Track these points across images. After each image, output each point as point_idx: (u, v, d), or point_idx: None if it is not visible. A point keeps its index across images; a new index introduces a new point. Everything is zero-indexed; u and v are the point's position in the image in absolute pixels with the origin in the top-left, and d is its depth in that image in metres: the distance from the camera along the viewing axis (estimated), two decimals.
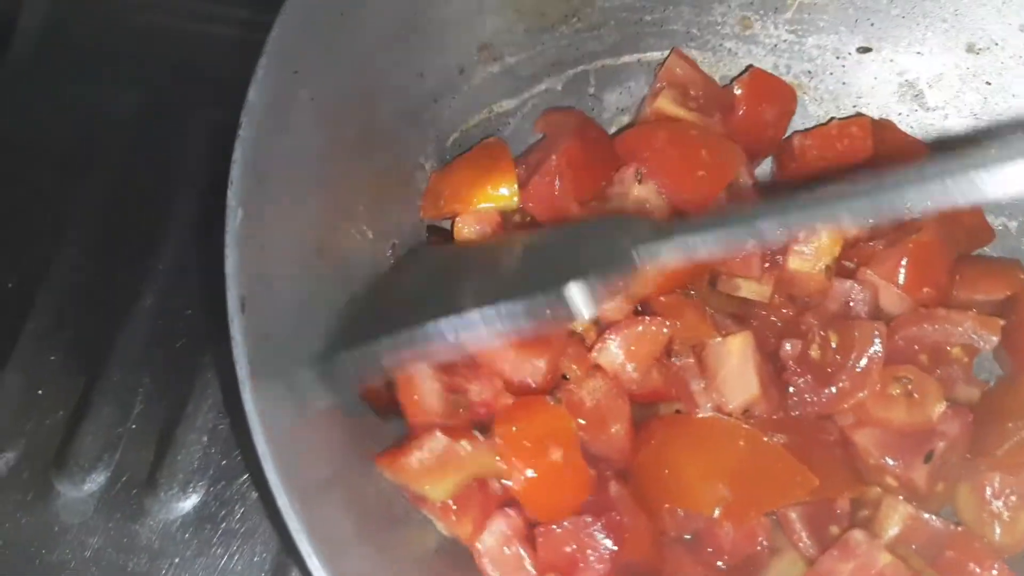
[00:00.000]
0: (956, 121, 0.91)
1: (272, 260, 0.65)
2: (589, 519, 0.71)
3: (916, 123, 0.92)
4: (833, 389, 0.77)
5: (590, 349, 0.77)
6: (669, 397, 0.78)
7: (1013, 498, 0.76)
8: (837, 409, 0.78)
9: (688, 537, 0.77)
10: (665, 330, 0.77)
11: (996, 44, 0.87)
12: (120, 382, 0.94)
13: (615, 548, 0.70)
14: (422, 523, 0.71)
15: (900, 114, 0.92)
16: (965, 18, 0.87)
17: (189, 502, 0.90)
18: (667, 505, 0.74)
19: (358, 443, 0.69)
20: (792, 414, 0.79)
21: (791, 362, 0.79)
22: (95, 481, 0.91)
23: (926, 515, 0.75)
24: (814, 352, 0.78)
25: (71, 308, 0.98)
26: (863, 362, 0.76)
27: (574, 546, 0.70)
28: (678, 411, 0.77)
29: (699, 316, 0.79)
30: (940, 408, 0.76)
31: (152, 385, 0.95)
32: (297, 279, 0.68)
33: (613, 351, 0.77)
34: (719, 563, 0.76)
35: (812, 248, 0.82)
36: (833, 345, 0.78)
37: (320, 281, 0.70)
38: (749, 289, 0.83)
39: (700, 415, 0.76)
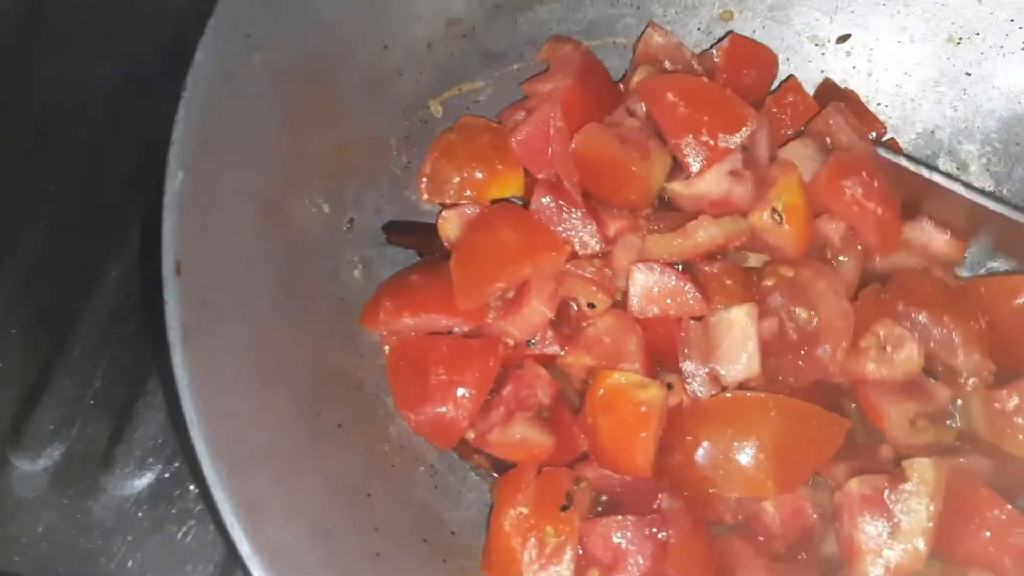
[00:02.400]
0: (934, 111, 0.88)
1: (215, 225, 0.64)
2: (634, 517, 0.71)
3: (895, 113, 0.90)
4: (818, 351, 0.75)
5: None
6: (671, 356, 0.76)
7: None
8: (823, 375, 0.76)
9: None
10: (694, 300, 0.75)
11: (977, 34, 0.85)
12: (81, 357, 0.93)
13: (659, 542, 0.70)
14: (365, 493, 0.69)
15: (879, 104, 0.90)
16: (947, 8, 0.85)
17: (144, 479, 0.89)
18: (718, 496, 0.72)
19: (302, 413, 0.67)
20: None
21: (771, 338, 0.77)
22: (51, 456, 0.89)
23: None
24: (790, 329, 0.76)
25: (36, 282, 0.97)
26: (835, 323, 0.75)
27: (621, 542, 0.69)
28: (669, 385, 0.75)
29: (744, 285, 0.77)
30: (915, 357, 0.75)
31: (113, 361, 0.94)
32: (242, 246, 0.66)
33: (646, 280, 0.76)
34: (778, 549, 0.74)
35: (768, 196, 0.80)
36: (804, 317, 0.76)
37: (268, 249, 0.69)
38: (757, 258, 0.81)
39: (695, 391, 0.74)
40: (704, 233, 0.77)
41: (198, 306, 0.61)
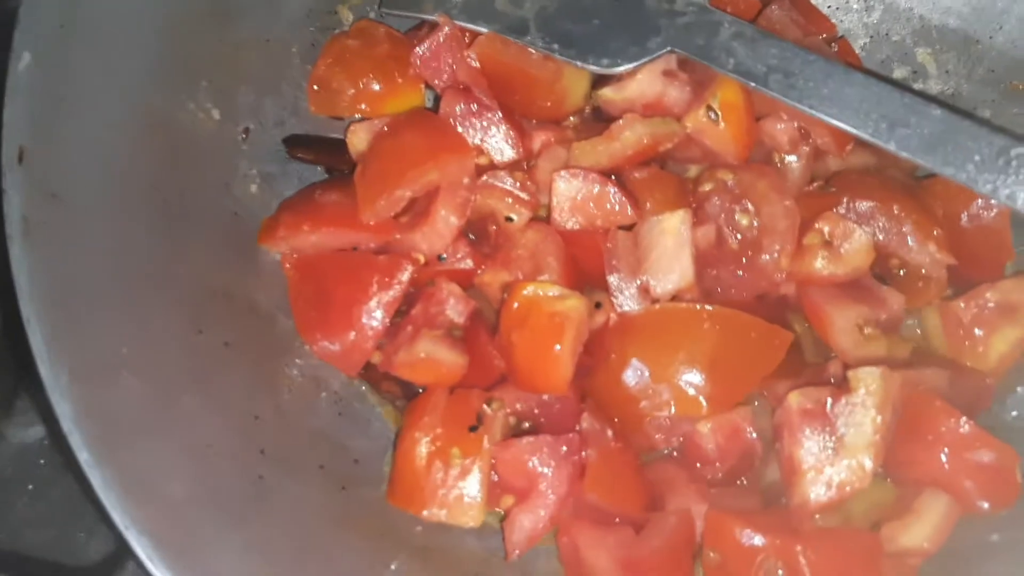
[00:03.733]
0: (888, 12, 0.82)
1: (72, 118, 0.57)
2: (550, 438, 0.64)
3: (846, 17, 0.83)
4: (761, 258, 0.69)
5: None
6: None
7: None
8: (765, 283, 0.70)
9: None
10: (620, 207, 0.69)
11: None
12: None
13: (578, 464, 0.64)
14: (252, 415, 0.63)
15: (829, 6, 0.83)
16: None
17: (45, 428, 0.82)
18: (647, 417, 0.66)
19: (180, 328, 0.61)
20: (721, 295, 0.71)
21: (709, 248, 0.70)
22: None
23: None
24: (730, 237, 0.70)
25: None
26: (778, 224, 0.68)
27: (535, 464, 0.63)
28: (597, 304, 0.69)
29: (678, 192, 0.71)
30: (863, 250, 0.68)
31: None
32: (108, 144, 0.60)
33: (568, 188, 0.69)
34: (715, 474, 0.68)
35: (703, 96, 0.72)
36: (744, 222, 0.69)
37: (142, 152, 0.62)
38: (697, 169, 0.74)
39: (622, 305, 0.67)
40: (631, 133, 0.70)
41: (46, 200, 0.54)
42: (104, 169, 0.59)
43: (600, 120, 0.77)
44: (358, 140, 0.74)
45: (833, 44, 0.81)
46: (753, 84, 0.67)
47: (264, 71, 0.74)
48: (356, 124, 0.74)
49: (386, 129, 0.72)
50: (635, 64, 0.71)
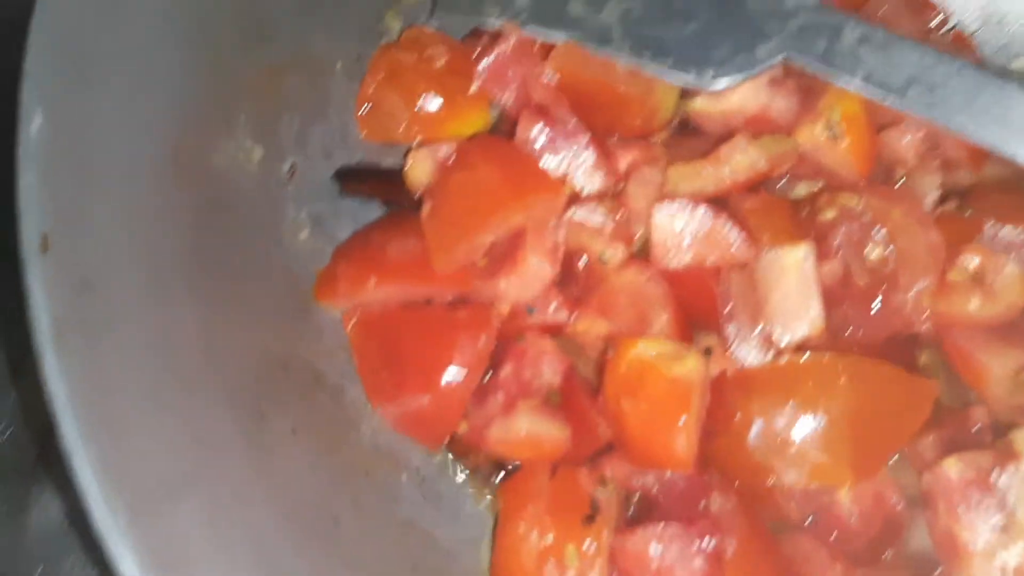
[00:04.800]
0: None
1: (96, 181, 0.47)
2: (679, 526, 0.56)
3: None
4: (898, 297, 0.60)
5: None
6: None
7: None
8: (903, 325, 0.61)
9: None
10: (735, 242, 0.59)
11: None
12: None
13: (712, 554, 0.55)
14: (331, 518, 0.54)
15: None
16: None
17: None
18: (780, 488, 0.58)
19: (240, 419, 0.52)
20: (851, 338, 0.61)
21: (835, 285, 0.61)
22: None
23: None
24: (857, 272, 0.61)
25: None
26: (918, 259, 0.59)
27: (664, 557, 0.55)
28: (707, 351, 0.60)
29: (795, 221, 0.61)
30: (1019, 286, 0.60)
31: None
32: (139, 207, 0.50)
33: (671, 222, 0.60)
34: (856, 548, 0.59)
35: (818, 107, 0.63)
36: (876, 255, 0.60)
37: (178, 209, 0.52)
38: (807, 187, 0.65)
39: (742, 357, 0.58)
40: (742, 157, 0.61)
41: (77, 292, 0.44)
42: (138, 239, 0.49)
43: (688, 132, 0.67)
44: (420, 171, 0.64)
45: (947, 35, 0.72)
46: (888, 101, 0.57)
47: (306, 95, 0.63)
48: (416, 152, 0.64)
49: (454, 159, 0.62)
50: (743, 76, 0.61)
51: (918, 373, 0.62)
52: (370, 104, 0.66)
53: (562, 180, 0.60)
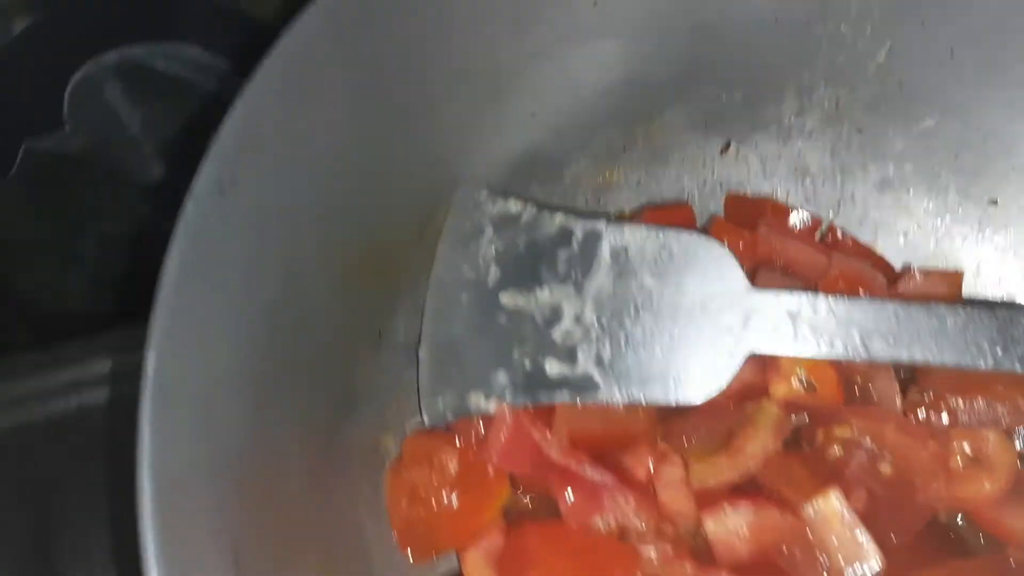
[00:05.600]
0: None
1: None
2: None
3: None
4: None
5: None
6: None
7: None
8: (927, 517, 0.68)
9: None
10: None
11: None
12: None
13: None
14: None
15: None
16: None
17: None
18: None
19: None
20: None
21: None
22: None
23: None
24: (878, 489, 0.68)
25: None
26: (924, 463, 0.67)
27: None
28: None
29: (806, 469, 0.67)
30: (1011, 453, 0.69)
31: None
32: None
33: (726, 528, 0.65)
34: None
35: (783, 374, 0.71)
36: (887, 471, 0.68)
37: None
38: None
39: None
40: (756, 446, 0.67)
41: None
42: None
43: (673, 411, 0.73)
44: (477, 571, 0.65)
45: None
46: (851, 357, 0.65)
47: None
48: (469, 552, 0.65)
49: (510, 556, 0.64)
50: (727, 381, 0.67)
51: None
52: (404, 534, 0.66)
53: (634, 551, 0.63)
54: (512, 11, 0.67)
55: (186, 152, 0.83)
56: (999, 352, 0.63)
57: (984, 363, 0.63)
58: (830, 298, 0.66)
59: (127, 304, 0.92)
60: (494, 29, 0.67)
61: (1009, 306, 0.66)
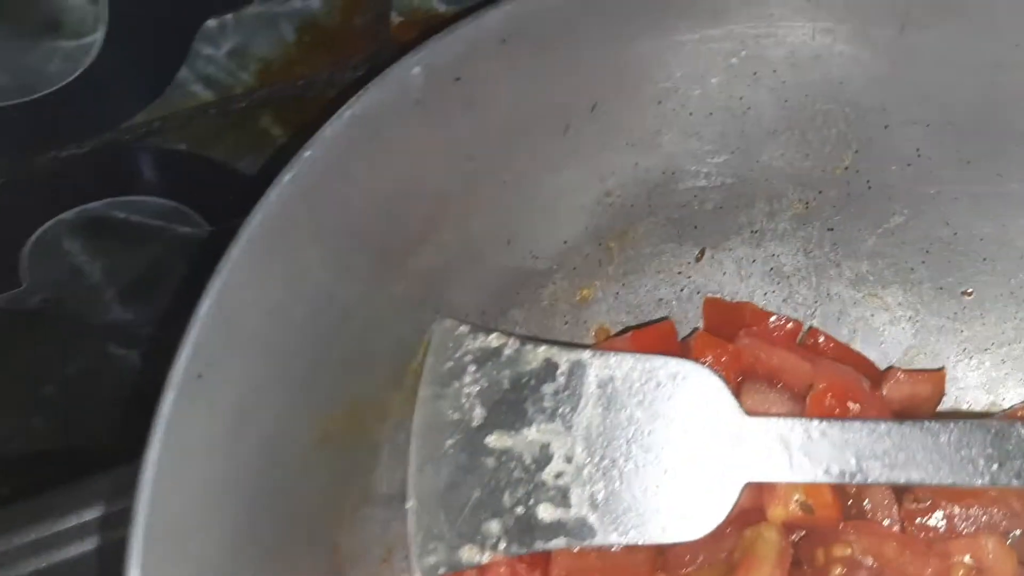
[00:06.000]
0: None
1: None
2: None
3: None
4: None
5: None
6: None
7: None
8: None
9: None
10: None
11: None
12: None
13: None
14: None
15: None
16: None
17: None
18: None
19: None
20: None
21: None
22: None
23: None
24: None
25: None
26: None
27: None
28: None
29: None
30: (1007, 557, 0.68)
31: None
32: None
33: None
34: None
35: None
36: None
37: None
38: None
39: None
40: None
41: None
42: None
43: None
44: None
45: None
46: (847, 480, 0.65)
47: None
48: None
49: None
50: (725, 514, 0.65)
51: None
52: None
53: None
54: (484, 146, 0.66)
55: (150, 291, 0.80)
56: (995, 468, 0.63)
57: (981, 480, 0.63)
58: (823, 422, 0.65)
59: (100, 440, 0.90)
60: (469, 166, 0.66)
61: (1001, 420, 0.66)
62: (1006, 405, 0.81)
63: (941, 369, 0.80)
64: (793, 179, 0.78)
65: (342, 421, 0.63)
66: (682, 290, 0.83)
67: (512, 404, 0.67)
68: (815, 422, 0.65)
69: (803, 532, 0.71)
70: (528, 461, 0.66)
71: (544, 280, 0.78)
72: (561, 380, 0.68)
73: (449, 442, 0.67)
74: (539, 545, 0.65)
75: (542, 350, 0.69)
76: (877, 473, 0.64)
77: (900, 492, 0.72)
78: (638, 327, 0.80)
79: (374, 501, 0.66)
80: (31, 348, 0.79)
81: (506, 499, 0.65)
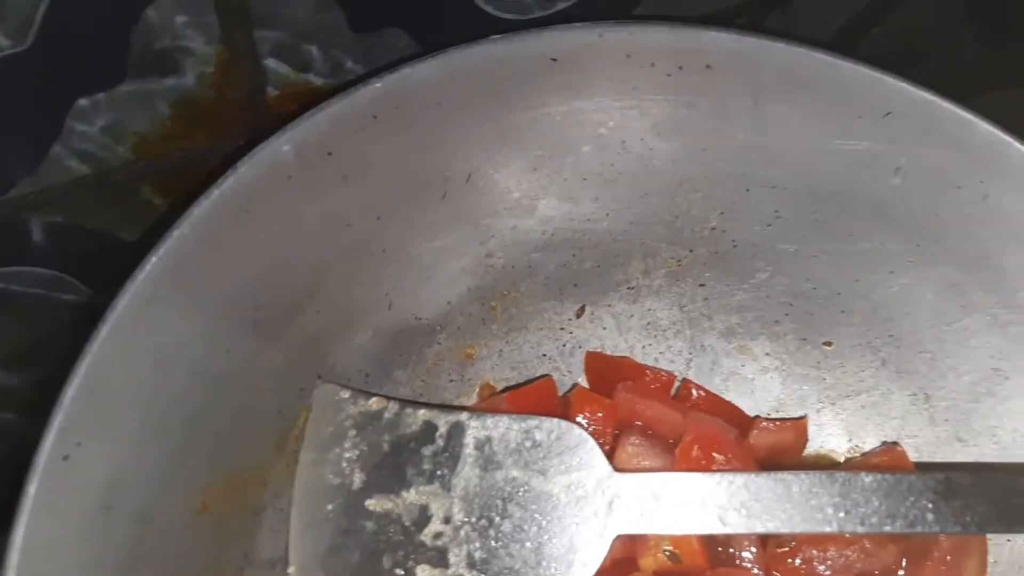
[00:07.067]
0: None
1: None
2: None
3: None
4: None
5: None
6: None
7: None
8: None
9: None
10: None
11: None
12: None
13: None
14: None
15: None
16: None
17: None
18: None
19: None
20: None
21: None
22: None
23: None
24: None
25: None
26: None
27: None
28: None
29: None
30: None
31: None
32: None
33: None
34: None
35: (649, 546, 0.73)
36: None
37: None
38: None
39: None
40: None
41: None
42: None
43: None
44: None
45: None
46: (710, 531, 0.68)
47: None
48: None
49: None
50: (596, 566, 0.68)
51: None
52: None
53: None
54: (361, 216, 0.69)
55: (33, 357, 0.80)
56: (842, 516, 0.67)
57: (829, 527, 0.67)
58: (687, 476, 0.69)
59: None
60: (346, 237, 0.68)
61: (848, 470, 0.70)
62: (866, 448, 0.86)
63: (803, 417, 0.85)
64: (665, 239, 0.82)
65: (221, 490, 0.64)
66: (564, 345, 0.86)
67: (392, 467, 0.69)
68: (680, 477, 0.69)
69: None
70: (407, 523, 0.68)
71: (428, 340, 0.80)
72: (440, 442, 0.70)
73: (330, 506, 0.68)
74: None
75: (421, 413, 0.71)
76: (736, 523, 0.68)
77: (764, 538, 0.76)
78: (520, 385, 0.83)
79: (256, 566, 0.67)
80: None
81: (385, 561, 0.67)
